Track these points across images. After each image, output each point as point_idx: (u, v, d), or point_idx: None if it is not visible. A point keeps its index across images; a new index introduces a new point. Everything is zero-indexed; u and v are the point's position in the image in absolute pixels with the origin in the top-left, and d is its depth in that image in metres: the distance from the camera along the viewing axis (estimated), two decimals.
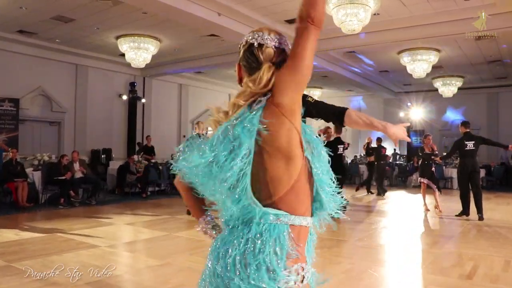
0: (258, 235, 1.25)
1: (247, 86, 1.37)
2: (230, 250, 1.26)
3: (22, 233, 6.54)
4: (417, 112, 19.38)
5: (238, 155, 1.27)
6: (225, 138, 1.30)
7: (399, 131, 1.89)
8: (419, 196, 10.06)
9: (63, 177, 9.64)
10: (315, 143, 1.40)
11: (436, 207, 9.33)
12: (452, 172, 15.18)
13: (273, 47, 1.40)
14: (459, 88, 17.27)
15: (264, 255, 1.23)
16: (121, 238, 6.74)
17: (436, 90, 17.52)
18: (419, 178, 9.95)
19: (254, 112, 1.31)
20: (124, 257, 5.43)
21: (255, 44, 1.41)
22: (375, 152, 13.39)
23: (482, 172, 15.77)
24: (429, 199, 9.80)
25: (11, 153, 9.58)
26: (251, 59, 1.41)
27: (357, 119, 2.08)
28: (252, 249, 1.24)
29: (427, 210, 9.49)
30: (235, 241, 1.27)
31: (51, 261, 4.88)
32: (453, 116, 19.37)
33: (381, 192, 13.03)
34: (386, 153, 14.63)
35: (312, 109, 2.24)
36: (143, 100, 16.16)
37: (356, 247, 5.96)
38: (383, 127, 1.95)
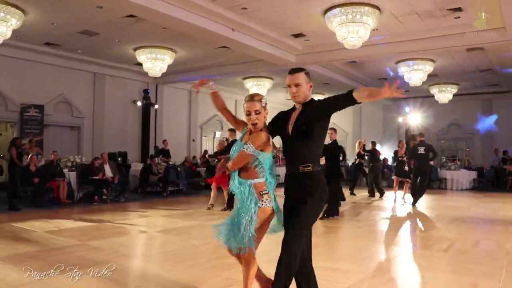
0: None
1: None
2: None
3: (77, 223, 7.48)
4: (415, 118, 19.83)
5: None
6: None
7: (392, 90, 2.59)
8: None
9: (97, 177, 10.61)
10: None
11: (403, 197, 11.21)
12: (445, 174, 16.13)
13: None
14: (454, 95, 17.82)
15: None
16: (161, 226, 7.48)
17: (433, 96, 18.07)
18: (394, 176, 11.59)
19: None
20: (172, 238, 6.29)
21: None
22: (370, 154, 13.14)
23: (474, 174, 16.79)
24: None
25: (52, 156, 10.58)
26: None
27: (362, 92, 2.68)
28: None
29: (395, 202, 11.27)
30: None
31: (114, 241, 5.88)
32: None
33: (380, 193, 12.55)
34: (380, 156, 14.80)
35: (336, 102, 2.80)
36: (156, 106, 16.80)
37: (357, 232, 7.05)
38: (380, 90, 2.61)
